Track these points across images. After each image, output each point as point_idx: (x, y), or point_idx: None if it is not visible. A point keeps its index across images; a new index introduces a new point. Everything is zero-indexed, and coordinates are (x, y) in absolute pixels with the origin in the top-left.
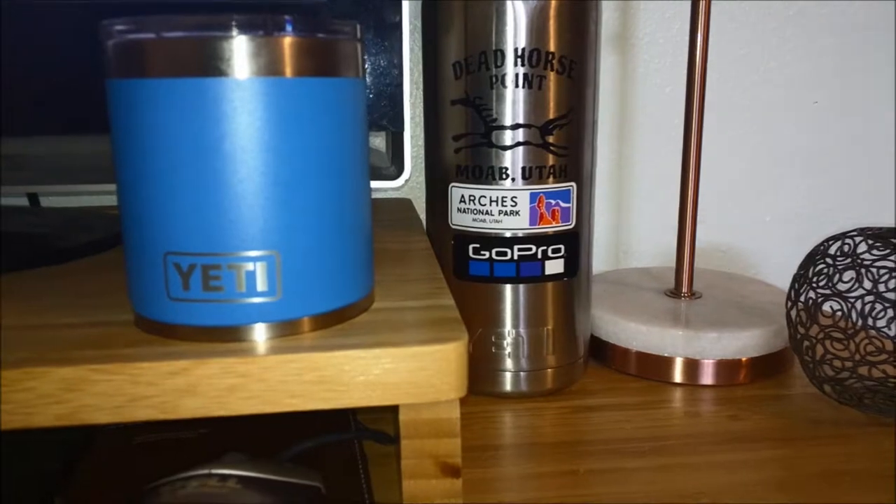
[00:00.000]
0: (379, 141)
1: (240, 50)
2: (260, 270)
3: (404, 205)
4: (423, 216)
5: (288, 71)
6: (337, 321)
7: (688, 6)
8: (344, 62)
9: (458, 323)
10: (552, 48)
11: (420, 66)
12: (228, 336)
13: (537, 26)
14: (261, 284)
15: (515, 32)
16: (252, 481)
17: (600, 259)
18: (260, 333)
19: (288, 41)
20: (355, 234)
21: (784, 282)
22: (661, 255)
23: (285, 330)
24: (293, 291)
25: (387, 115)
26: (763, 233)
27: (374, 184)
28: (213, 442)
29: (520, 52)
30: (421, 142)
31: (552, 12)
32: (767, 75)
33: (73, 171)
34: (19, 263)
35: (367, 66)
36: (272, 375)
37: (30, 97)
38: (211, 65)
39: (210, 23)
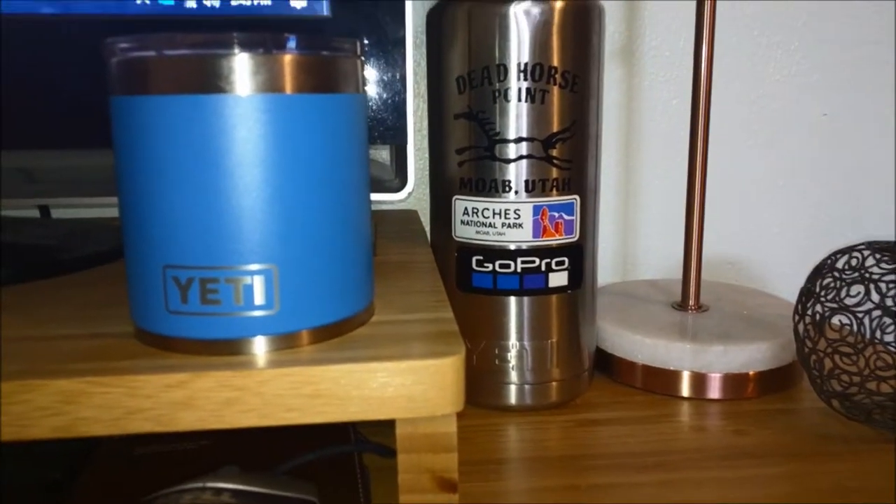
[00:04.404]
0: (384, 153)
1: (241, 67)
2: (258, 284)
3: (410, 216)
4: (428, 228)
5: (288, 87)
6: (335, 334)
7: (692, 19)
8: (344, 79)
9: (456, 336)
10: (555, 63)
11: (426, 80)
12: (226, 349)
13: (540, 42)
14: (258, 298)
15: (518, 48)
16: (246, 495)
17: (607, 271)
18: (258, 347)
19: (288, 59)
20: (354, 248)
21: (792, 294)
22: (669, 267)
23: (283, 343)
24: (291, 305)
25: (390, 128)
26: (771, 244)
27: (377, 196)
28: (214, 453)
29: (522, 67)
30: (426, 154)
31: (555, 28)
32: (774, 87)
33: (85, 184)
34: (25, 275)
35: (372, 79)
36: (268, 389)
37: (43, 111)
38: (212, 82)
39: (211, 41)
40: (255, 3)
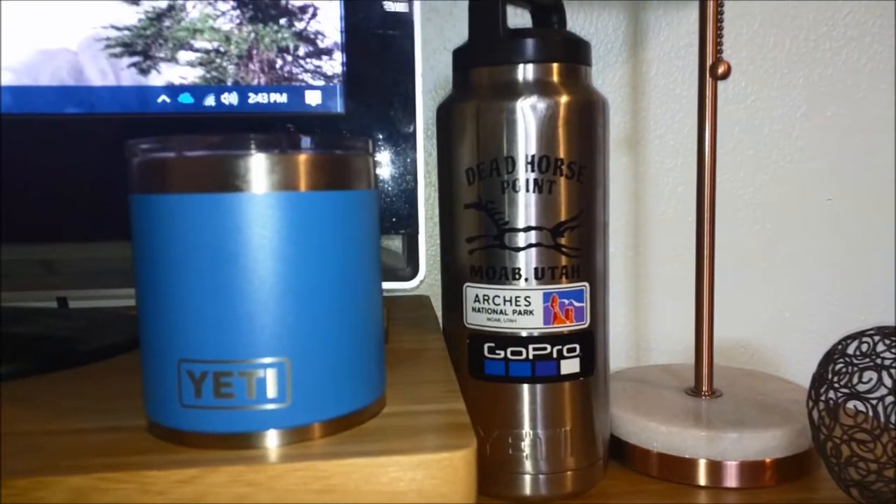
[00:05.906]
0: (396, 242)
1: (257, 167)
2: (270, 377)
3: (422, 302)
4: (439, 314)
5: (302, 185)
6: (347, 427)
7: (695, 109)
8: (356, 176)
9: (468, 429)
10: (561, 155)
11: (437, 169)
12: (238, 443)
13: (546, 135)
14: (271, 391)
15: (526, 141)
16: None
17: (619, 356)
18: (270, 440)
19: (302, 158)
20: (366, 340)
21: (806, 378)
22: (681, 352)
23: (294, 437)
24: (303, 398)
25: (403, 218)
26: (782, 328)
27: (389, 285)
28: None
29: (530, 159)
30: (438, 241)
31: (560, 122)
32: (778, 174)
33: (102, 275)
34: (42, 366)
35: (385, 171)
36: (280, 484)
37: (64, 205)
38: (229, 181)
39: (229, 142)
40: (272, 100)
